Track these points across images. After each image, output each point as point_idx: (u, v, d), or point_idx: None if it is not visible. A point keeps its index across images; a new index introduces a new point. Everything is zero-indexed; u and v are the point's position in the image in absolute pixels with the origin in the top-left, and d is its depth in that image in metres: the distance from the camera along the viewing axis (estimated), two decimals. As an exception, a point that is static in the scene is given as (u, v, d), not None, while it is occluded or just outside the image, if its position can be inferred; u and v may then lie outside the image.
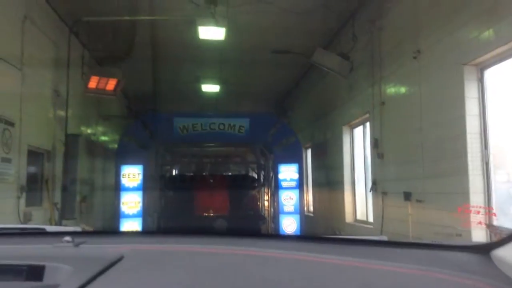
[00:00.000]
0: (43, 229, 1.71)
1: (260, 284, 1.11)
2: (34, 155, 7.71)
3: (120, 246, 1.38)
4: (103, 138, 12.48)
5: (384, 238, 1.65)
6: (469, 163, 5.40)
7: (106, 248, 1.37)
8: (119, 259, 1.21)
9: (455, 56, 5.66)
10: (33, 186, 7.68)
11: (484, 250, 1.35)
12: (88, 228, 9.66)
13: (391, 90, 7.59)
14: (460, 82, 5.57)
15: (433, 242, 1.57)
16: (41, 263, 1.17)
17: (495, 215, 5.26)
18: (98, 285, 1.06)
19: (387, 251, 1.48)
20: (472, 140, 5.43)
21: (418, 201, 6.43)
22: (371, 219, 8.68)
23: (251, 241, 1.60)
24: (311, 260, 1.29)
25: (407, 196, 6.73)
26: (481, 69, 5.50)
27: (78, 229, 1.90)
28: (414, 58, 6.56)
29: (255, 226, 12.72)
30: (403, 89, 7.20)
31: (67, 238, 1.37)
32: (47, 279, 1.13)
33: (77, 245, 1.35)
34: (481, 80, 5.51)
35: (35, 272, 1.15)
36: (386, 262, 1.27)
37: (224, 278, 1.15)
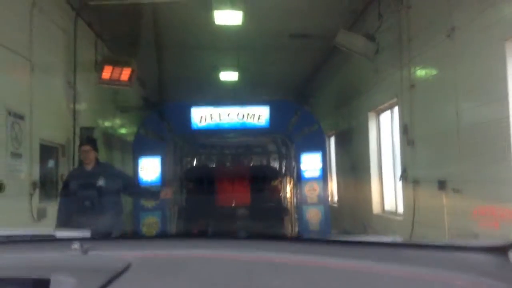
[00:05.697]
0: (53, 235, 1.71)
1: None
2: (48, 150, 7.44)
3: (128, 253, 1.37)
4: (121, 130, 12.23)
5: (398, 238, 1.57)
6: (514, 148, 4.89)
7: (114, 256, 1.38)
8: (126, 268, 1.21)
9: (495, 31, 5.12)
10: (48, 182, 7.44)
11: (501, 250, 1.30)
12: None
13: (421, 72, 7.06)
14: (502, 59, 5.03)
15: (448, 243, 1.53)
16: (47, 276, 1.18)
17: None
18: None
19: (402, 252, 1.45)
20: (516, 123, 4.92)
21: (455, 190, 5.93)
22: (400, 210, 8.20)
23: (263, 246, 1.55)
24: (322, 266, 1.27)
25: (442, 185, 6.24)
26: (526, 43, 4.96)
27: (87, 234, 1.78)
28: (448, 36, 6.03)
29: (278, 218, 12.38)
30: (435, 71, 6.66)
31: (75, 245, 1.38)
32: None
33: (85, 252, 1.36)
34: (526, 56, 4.97)
35: (41, 286, 1.16)
36: (400, 266, 1.24)
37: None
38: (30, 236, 1.75)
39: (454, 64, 6.00)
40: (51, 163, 7.67)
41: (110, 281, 1.13)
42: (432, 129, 6.70)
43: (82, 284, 1.13)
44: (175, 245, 1.59)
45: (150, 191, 6.75)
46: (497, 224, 5.03)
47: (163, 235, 7.13)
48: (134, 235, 6.68)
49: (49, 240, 1.68)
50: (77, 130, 8.27)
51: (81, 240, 1.48)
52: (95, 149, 5.37)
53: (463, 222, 5.69)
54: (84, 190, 5.08)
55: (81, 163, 5.44)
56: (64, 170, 7.87)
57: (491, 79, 5.25)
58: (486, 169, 5.34)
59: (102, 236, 2.27)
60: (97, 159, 5.40)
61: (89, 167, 5.31)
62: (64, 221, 5.17)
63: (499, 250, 1.31)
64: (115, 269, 1.19)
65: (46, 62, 7.23)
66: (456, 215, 5.92)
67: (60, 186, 7.74)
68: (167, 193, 6.47)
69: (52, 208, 7.32)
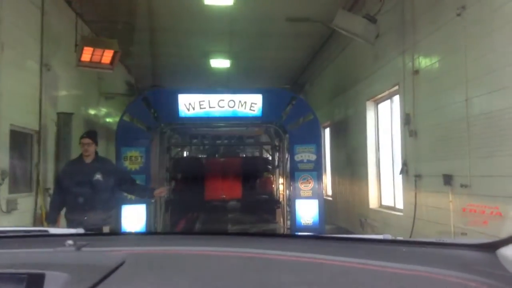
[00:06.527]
0: (46, 231, 1.75)
1: None
2: (20, 136, 6.86)
3: (122, 250, 1.39)
4: (105, 118, 11.63)
5: (388, 236, 1.54)
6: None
7: (108, 252, 1.38)
8: (120, 265, 1.22)
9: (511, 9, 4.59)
10: (20, 171, 6.86)
11: (490, 248, 1.32)
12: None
13: (427, 56, 6.52)
14: (520, 40, 4.51)
15: (439, 240, 1.49)
16: (42, 271, 1.17)
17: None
18: None
19: (392, 250, 1.47)
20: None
21: (463, 185, 5.41)
22: (400, 206, 7.70)
23: (256, 242, 1.58)
24: (315, 262, 1.28)
25: (448, 179, 5.73)
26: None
27: (81, 230, 1.71)
28: (458, 15, 5.49)
29: (270, 210, 11.88)
30: (443, 55, 6.11)
31: (69, 241, 1.37)
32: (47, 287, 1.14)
33: (79, 248, 1.36)
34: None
35: (35, 281, 1.14)
36: (390, 263, 1.26)
37: (227, 284, 1.14)
38: (23, 231, 1.75)
39: (464, 46, 5.47)
40: (24, 151, 7.08)
41: (104, 277, 1.13)
42: (437, 119, 6.17)
43: (77, 280, 1.13)
44: (169, 241, 1.63)
45: (145, 188, 6.65)
46: (486, 222, 4.64)
47: (156, 232, 6.76)
48: (127, 232, 6.35)
49: (42, 236, 1.69)
50: (53, 116, 7.70)
51: (75, 236, 1.49)
52: (95, 142, 5.40)
53: (472, 219, 5.18)
54: (82, 183, 5.12)
55: (80, 155, 5.40)
56: (39, 158, 7.30)
57: (506, 63, 4.72)
58: (498, 162, 4.83)
59: (95, 233, 2.20)
60: (96, 153, 5.41)
61: (88, 159, 5.31)
62: (55, 213, 5.18)
63: (488, 248, 1.33)
64: (109, 266, 1.20)
65: (18, 42, 6.65)
66: (464, 212, 5.41)
67: (34, 176, 7.20)
68: (161, 192, 6.49)
69: (24, 200, 6.77)
